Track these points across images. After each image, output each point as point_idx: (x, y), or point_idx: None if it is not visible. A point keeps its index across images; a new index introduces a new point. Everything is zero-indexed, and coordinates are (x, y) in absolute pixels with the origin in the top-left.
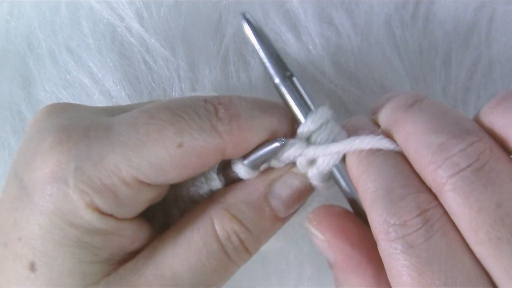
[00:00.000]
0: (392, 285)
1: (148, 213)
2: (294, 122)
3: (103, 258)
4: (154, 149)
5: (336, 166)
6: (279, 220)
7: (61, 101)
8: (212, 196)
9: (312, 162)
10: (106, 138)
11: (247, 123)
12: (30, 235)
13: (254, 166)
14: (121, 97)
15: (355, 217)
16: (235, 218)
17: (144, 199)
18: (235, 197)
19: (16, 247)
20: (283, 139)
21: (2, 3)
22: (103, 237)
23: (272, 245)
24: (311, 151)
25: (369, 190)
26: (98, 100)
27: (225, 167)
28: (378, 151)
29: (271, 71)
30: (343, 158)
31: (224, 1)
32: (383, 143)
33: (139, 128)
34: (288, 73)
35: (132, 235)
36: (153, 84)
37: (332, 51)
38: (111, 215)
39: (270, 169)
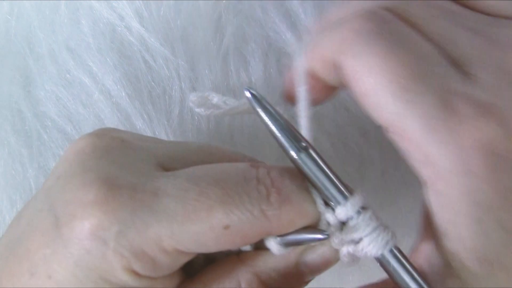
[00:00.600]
0: (368, 84)
1: None
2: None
3: None
4: (200, 227)
5: (391, 251)
6: (304, 282)
7: (61, 101)
8: (240, 255)
9: (354, 241)
10: (152, 207)
11: (296, 209)
12: (62, 279)
13: (287, 246)
14: (121, 97)
15: None
16: (263, 282)
17: (180, 264)
18: (266, 263)
19: (44, 283)
20: (327, 232)
21: (2, 3)
22: None
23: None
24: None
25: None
26: (98, 99)
27: None
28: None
29: (286, 144)
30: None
31: (224, 1)
32: None
33: (187, 203)
34: (303, 144)
35: (164, 286)
36: (153, 83)
37: None
38: (147, 277)
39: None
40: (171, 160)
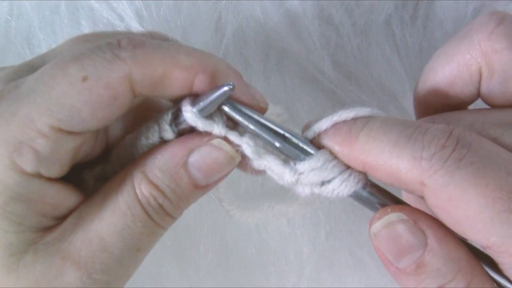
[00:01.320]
0: (459, 216)
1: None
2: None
3: (28, 227)
4: (60, 88)
5: (362, 188)
6: (200, 188)
7: None
8: (137, 160)
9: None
10: (15, 95)
11: (152, 50)
12: None
13: (203, 111)
14: None
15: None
16: (151, 183)
17: (65, 150)
18: (154, 162)
19: None
20: (231, 83)
21: (2, 3)
22: (26, 204)
23: (272, 245)
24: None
25: (386, 149)
26: None
27: (176, 117)
28: (370, 121)
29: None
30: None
31: (224, 1)
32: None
33: (44, 76)
34: (281, 133)
35: (56, 200)
36: None
37: (332, 51)
38: (34, 175)
39: (191, 136)
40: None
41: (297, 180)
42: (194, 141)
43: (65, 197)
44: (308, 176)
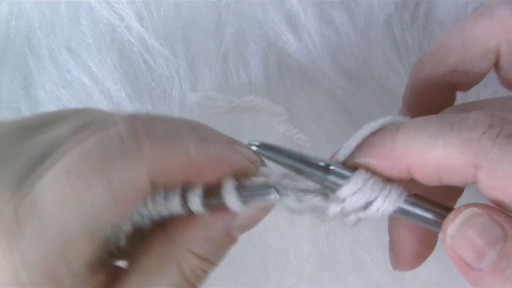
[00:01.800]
0: None
1: None
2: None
3: None
4: (87, 204)
5: (405, 201)
6: (236, 239)
7: (61, 101)
8: (173, 227)
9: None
10: (38, 216)
11: (167, 144)
12: None
13: (244, 201)
14: (121, 97)
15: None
16: (198, 256)
17: (93, 248)
18: (197, 234)
19: None
20: (275, 192)
21: (2, 3)
22: None
23: (272, 245)
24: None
25: (430, 141)
26: (98, 100)
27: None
28: (403, 124)
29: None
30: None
31: (224, 1)
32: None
33: (65, 193)
34: (323, 164)
35: (92, 284)
36: (153, 83)
37: (332, 50)
38: (68, 276)
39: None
40: (38, 127)
41: (341, 210)
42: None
43: (98, 278)
44: (351, 201)
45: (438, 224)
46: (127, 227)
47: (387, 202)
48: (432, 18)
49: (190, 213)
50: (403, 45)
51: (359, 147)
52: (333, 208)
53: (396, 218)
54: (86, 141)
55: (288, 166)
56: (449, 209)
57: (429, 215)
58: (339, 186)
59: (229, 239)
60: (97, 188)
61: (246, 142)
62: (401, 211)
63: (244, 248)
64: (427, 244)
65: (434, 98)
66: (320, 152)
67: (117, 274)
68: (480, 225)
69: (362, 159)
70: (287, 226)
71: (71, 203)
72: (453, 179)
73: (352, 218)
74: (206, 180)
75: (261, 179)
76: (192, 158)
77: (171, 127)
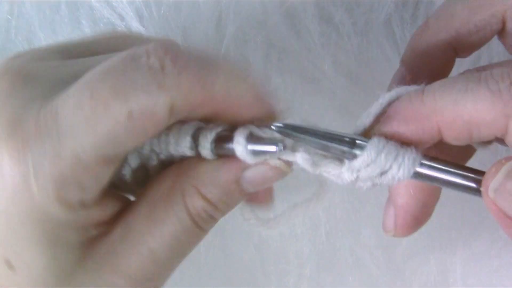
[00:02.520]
0: None
1: None
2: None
3: (76, 246)
4: (104, 126)
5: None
6: (246, 194)
7: None
8: (183, 166)
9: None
10: (57, 129)
11: (195, 77)
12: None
13: (253, 153)
14: None
15: None
16: (205, 198)
17: (108, 177)
18: (207, 176)
19: None
20: (282, 144)
21: (2, 3)
22: (73, 231)
23: (272, 245)
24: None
25: (459, 96)
26: None
27: (219, 139)
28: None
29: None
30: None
31: (224, 1)
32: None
33: (84, 110)
34: (348, 139)
35: (100, 216)
36: None
37: (332, 50)
38: (80, 205)
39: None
40: (76, 51)
41: (356, 178)
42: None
43: (108, 208)
44: (367, 171)
45: (458, 184)
46: (137, 160)
47: (401, 170)
48: None
49: (200, 158)
50: (403, 45)
51: (384, 117)
52: (348, 176)
53: None
54: (112, 61)
55: (314, 144)
56: (468, 169)
57: (448, 177)
58: (354, 156)
59: (238, 190)
60: (116, 109)
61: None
62: (418, 175)
63: (244, 248)
64: (428, 208)
65: (434, 61)
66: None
67: (125, 206)
68: None
69: (388, 128)
70: (287, 226)
71: (89, 121)
72: (483, 133)
73: (368, 183)
74: (225, 119)
75: (275, 135)
76: (217, 96)
77: (200, 57)
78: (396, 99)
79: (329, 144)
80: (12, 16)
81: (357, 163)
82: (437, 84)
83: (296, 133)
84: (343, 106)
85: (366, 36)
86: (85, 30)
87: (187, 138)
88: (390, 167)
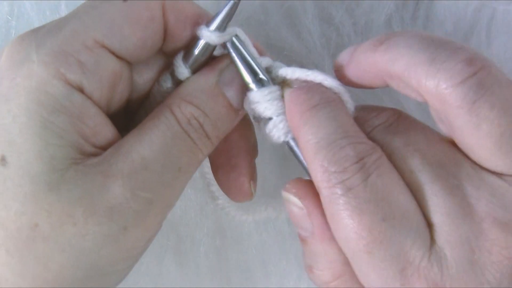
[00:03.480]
0: (334, 232)
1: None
2: None
3: (70, 142)
4: (103, 7)
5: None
6: (233, 110)
7: None
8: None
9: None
10: (61, 17)
11: None
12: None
13: (220, 28)
14: None
15: None
16: (191, 103)
17: (107, 71)
18: (189, 87)
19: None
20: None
21: (2, 3)
22: (68, 117)
23: (272, 245)
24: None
25: (310, 141)
26: None
27: (187, 54)
28: (320, 104)
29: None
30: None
31: (224, 1)
32: (326, 79)
33: None
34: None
35: (96, 124)
36: None
37: (332, 50)
38: (78, 88)
39: (218, 60)
40: None
41: (252, 109)
42: (222, 62)
43: (104, 125)
44: (258, 106)
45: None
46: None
47: (277, 128)
48: (432, 18)
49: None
50: None
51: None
52: (247, 101)
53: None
54: None
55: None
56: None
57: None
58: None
59: (220, 94)
60: None
61: None
62: (289, 146)
63: (244, 248)
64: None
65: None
66: None
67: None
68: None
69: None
70: (287, 226)
71: (90, 5)
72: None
73: (262, 124)
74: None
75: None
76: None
77: None
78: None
79: (245, 68)
80: (12, 16)
81: (252, 94)
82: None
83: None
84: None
85: (366, 36)
86: None
87: (167, 74)
88: (272, 116)
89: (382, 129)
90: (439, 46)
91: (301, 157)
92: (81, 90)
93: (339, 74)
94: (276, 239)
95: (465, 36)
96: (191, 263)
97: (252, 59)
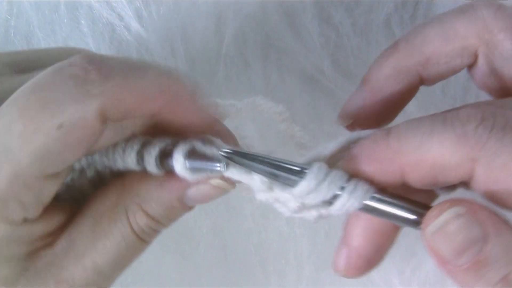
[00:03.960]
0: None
1: None
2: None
3: (19, 258)
4: (37, 141)
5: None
6: (189, 208)
7: None
8: (128, 180)
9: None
10: None
11: (121, 81)
12: None
13: (193, 170)
14: None
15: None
16: (148, 215)
17: (49, 191)
18: (150, 194)
19: None
20: (222, 165)
21: (1, 2)
22: (16, 245)
23: (271, 245)
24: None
25: (424, 139)
26: None
27: (163, 155)
28: (392, 128)
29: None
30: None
31: (224, 1)
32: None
33: (14, 127)
34: (298, 169)
35: (44, 228)
36: None
37: (332, 50)
38: (22, 221)
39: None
40: (26, 65)
41: (301, 206)
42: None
43: (52, 221)
44: (309, 198)
45: (410, 220)
46: (75, 174)
47: (352, 199)
48: None
49: (146, 173)
50: None
51: (349, 154)
52: (293, 203)
53: (355, 215)
54: (40, 75)
55: (263, 173)
56: (420, 204)
57: (399, 212)
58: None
59: (181, 206)
60: (46, 124)
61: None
62: (370, 208)
63: (244, 248)
64: (382, 251)
65: (398, 86)
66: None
67: (70, 217)
68: (462, 224)
69: (351, 166)
70: (286, 226)
71: (21, 138)
72: (448, 177)
73: (314, 213)
74: (170, 129)
75: (214, 151)
76: (149, 95)
77: (126, 63)
78: (356, 141)
79: (276, 172)
80: (11, 15)
81: (298, 189)
82: (403, 125)
83: (244, 159)
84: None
85: (366, 36)
86: (84, 30)
87: (132, 153)
88: (336, 196)
89: (489, 130)
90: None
91: (393, 211)
92: (25, 220)
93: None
94: (275, 239)
95: None
96: (190, 263)
97: (270, 162)
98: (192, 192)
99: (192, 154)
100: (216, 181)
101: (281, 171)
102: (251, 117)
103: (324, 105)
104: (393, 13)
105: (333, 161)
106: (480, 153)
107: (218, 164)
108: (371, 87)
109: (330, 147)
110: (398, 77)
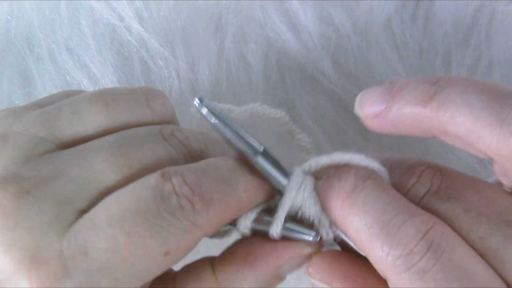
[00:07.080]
0: None
1: None
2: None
3: None
4: (141, 265)
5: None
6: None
7: None
8: (217, 275)
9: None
10: (87, 266)
11: (221, 206)
12: None
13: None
14: None
15: (350, 256)
16: None
17: None
18: (247, 280)
19: None
20: (314, 234)
21: (2, 3)
22: None
23: None
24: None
25: (361, 230)
26: None
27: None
28: (356, 187)
29: (246, 149)
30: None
31: (224, 1)
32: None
33: (121, 250)
34: (261, 148)
35: None
36: (152, 84)
37: (332, 51)
38: None
39: (275, 250)
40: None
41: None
42: (282, 256)
43: None
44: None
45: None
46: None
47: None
48: (432, 18)
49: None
50: (403, 45)
51: (323, 183)
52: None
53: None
54: (142, 198)
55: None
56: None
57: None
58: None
59: (277, 280)
60: (154, 250)
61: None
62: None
63: None
64: None
65: (413, 129)
66: (321, 152)
67: None
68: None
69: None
70: None
71: (125, 260)
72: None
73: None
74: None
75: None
76: (244, 202)
77: (219, 176)
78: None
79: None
80: (12, 16)
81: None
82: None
83: (213, 116)
84: (343, 106)
85: (366, 36)
86: (84, 31)
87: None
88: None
89: (432, 197)
90: (503, 102)
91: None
92: None
93: (372, 123)
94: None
95: (465, 36)
96: None
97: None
98: (286, 267)
99: (288, 220)
100: (302, 249)
101: (244, 144)
102: (249, 119)
103: (324, 105)
104: (393, 13)
105: (320, 175)
106: None
107: (314, 236)
108: (390, 110)
109: (322, 161)
110: (415, 123)
